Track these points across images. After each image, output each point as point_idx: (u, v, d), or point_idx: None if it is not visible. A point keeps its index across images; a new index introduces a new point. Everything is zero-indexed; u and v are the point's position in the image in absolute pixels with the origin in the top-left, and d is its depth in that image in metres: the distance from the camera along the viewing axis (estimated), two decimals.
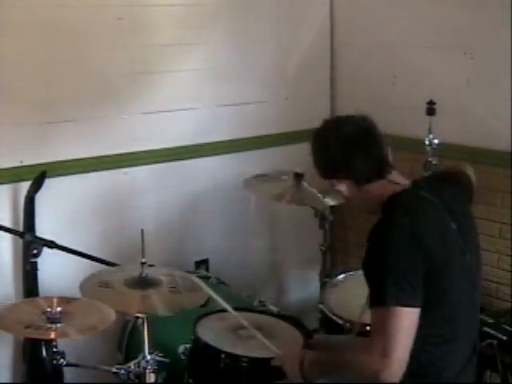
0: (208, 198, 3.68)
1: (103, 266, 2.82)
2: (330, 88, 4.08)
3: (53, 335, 2.25)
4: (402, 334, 1.94)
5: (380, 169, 2.16)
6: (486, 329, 2.78)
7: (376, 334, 1.98)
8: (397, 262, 1.97)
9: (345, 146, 2.15)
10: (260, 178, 3.45)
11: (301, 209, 3.34)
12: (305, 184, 3.28)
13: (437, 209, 2.10)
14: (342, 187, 2.18)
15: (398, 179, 2.18)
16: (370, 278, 2.03)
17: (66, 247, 2.71)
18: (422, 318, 1.98)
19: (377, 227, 2.05)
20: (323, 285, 3.31)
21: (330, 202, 3.23)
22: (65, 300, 2.40)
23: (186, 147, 3.55)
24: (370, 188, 2.15)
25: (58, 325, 2.28)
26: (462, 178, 2.29)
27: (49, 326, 2.27)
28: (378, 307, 1.98)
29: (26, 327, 2.26)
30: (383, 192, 2.13)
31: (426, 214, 2.07)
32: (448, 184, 2.25)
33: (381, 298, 1.97)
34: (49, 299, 2.40)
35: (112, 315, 2.33)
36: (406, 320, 1.94)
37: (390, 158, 2.19)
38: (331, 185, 2.22)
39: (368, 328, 2.66)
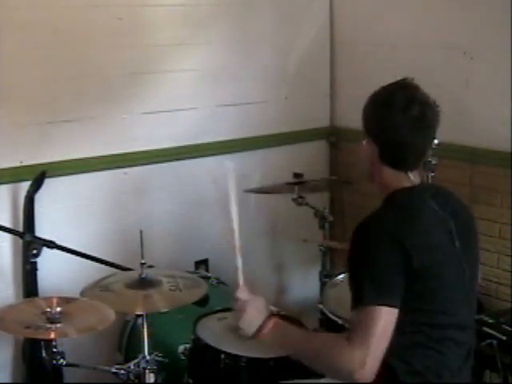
0: (208, 198, 3.67)
1: (103, 266, 2.82)
2: (330, 88, 4.08)
3: (53, 335, 2.25)
4: (383, 335, 1.92)
5: (410, 163, 2.11)
6: (486, 329, 2.78)
7: (355, 333, 1.94)
8: (375, 260, 1.97)
9: (402, 122, 2.04)
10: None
11: (301, 209, 3.33)
12: (304, 183, 3.29)
13: (437, 219, 2.08)
14: (367, 146, 2.11)
15: (414, 177, 2.13)
16: (350, 277, 2.05)
17: (65, 247, 2.71)
18: (413, 322, 1.98)
19: (360, 226, 2.05)
20: (323, 285, 3.31)
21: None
22: (64, 300, 2.39)
23: (186, 147, 3.55)
24: (385, 170, 2.11)
25: (58, 325, 2.27)
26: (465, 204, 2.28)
27: (48, 326, 2.27)
28: (357, 307, 1.97)
29: (26, 327, 2.25)
30: (393, 183, 2.10)
31: (420, 221, 2.05)
32: (457, 201, 2.23)
33: (359, 298, 1.97)
34: (48, 299, 2.39)
35: (111, 315, 2.33)
36: (387, 320, 1.92)
37: None
38: (362, 136, 2.14)
39: None
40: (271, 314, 2.15)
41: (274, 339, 2.12)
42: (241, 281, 2.24)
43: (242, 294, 2.20)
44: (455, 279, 2.06)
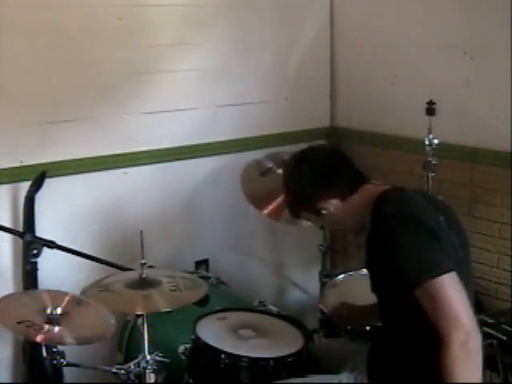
0: (208, 198, 3.68)
1: (103, 266, 2.82)
2: (330, 88, 4.08)
3: (40, 338, 2.19)
4: (455, 299, 1.93)
5: (360, 176, 2.25)
6: (486, 329, 2.78)
7: (437, 318, 1.94)
8: (414, 239, 1.99)
9: (320, 168, 2.25)
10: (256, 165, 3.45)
11: None
12: None
13: (426, 203, 2.14)
14: (330, 208, 2.23)
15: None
16: (393, 266, 2.03)
17: (65, 247, 2.71)
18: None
19: (383, 214, 2.08)
20: (323, 285, 3.31)
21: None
22: (76, 300, 2.36)
23: (186, 147, 3.55)
24: (356, 198, 2.22)
25: (56, 328, 2.22)
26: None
27: (45, 327, 2.21)
28: (418, 287, 1.96)
29: (19, 322, 2.19)
30: (371, 195, 2.17)
31: (421, 203, 2.12)
32: (436, 197, 2.32)
33: (414, 282, 1.96)
34: (59, 296, 2.35)
35: (112, 325, 2.30)
36: (448, 286, 1.94)
37: None
38: (314, 216, 2.27)
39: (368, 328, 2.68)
40: None
41: None
42: None
43: None
44: (459, 261, 2.08)
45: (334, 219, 2.26)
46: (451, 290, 1.93)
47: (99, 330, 2.30)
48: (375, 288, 2.18)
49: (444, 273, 1.95)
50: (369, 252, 2.14)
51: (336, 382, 2.28)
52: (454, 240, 2.11)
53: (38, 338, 2.21)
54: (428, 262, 1.97)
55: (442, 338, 1.92)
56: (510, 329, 2.79)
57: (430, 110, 3.07)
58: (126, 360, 2.81)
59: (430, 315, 1.95)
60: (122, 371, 2.50)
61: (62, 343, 2.25)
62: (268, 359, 2.38)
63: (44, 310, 2.27)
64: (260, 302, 2.97)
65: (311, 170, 2.25)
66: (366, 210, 2.16)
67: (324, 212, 2.24)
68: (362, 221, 2.22)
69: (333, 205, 2.23)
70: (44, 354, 2.48)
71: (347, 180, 2.24)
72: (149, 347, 2.50)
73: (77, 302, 2.35)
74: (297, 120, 3.92)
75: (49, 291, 2.43)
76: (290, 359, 2.41)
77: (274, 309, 2.91)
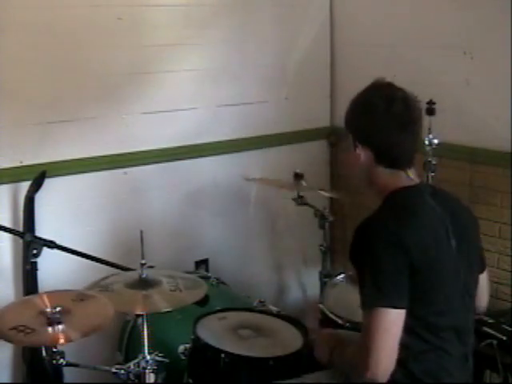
0: (208, 198, 3.68)
1: (103, 266, 2.82)
2: (330, 88, 4.09)
3: (51, 340, 2.18)
4: (384, 336, 1.94)
5: (406, 160, 2.12)
6: (486, 329, 2.78)
7: (362, 335, 1.99)
8: (376, 263, 1.98)
9: (389, 122, 2.07)
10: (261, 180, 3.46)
11: (301, 209, 3.34)
12: (304, 184, 3.29)
13: (435, 216, 2.08)
14: (361, 153, 2.12)
15: (413, 175, 2.15)
16: (357, 274, 2.07)
17: (65, 247, 2.71)
18: (409, 325, 1.98)
19: (362, 226, 2.06)
20: (323, 285, 3.31)
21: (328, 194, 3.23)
22: (80, 296, 2.35)
23: (186, 147, 3.55)
24: (383, 171, 2.11)
25: (59, 326, 2.21)
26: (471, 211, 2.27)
27: (48, 329, 2.20)
28: (362, 309, 1.99)
29: (20, 331, 2.13)
30: (392, 183, 2.11)
31: (420, 218, 2.06)
32: (456, 202, 2.22)
33: (362, 301, 1.99)
34: (63, 294, 2.33)
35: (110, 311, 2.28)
36: (387, 321, 1.94)
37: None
38: (352, 145, 2.15)
39: None
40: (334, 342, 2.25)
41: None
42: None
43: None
44: (451, 279, 2.06)
45: (356, 168, 2.15)
46: (387, 329, 1.94)
47: (100, 320, 2.28)
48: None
49: (394, 307, 1.94)
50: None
51: (334, 382, 2.28)
52: (458, 266, 2.07)
53: (40, 342, 2.19)
54: (385, 290, 1.95)
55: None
56: (510, 329, 2.79)
57: (430, 109, 3.06)
58: (126, 360, 2.81)
59: (362, 330, 1.98)
60: (122, 371, 2.50)
61: (67, 341, 2.22)
62: (268, 359, 2.38)
63: (41, 312, 2.24)
64: (260, 301, 2.97)
65: (382, 117, 2.07)
66: (379, 193, 2.12)
67: (357, 151, 2.12)
68: (370, 189, 2.17)
69: (367, 156, 2.11)
70: (44, 353, 2.47)
71: (396, 153, 2.10)
72: (149, 347, 2.49)
73: (79, 298, 2.34)
74: (297, 120, 3.92)
75: (45, 294, 2.40)
76: (289, 359, 2.41)
77: (273, 309, 2.90)
